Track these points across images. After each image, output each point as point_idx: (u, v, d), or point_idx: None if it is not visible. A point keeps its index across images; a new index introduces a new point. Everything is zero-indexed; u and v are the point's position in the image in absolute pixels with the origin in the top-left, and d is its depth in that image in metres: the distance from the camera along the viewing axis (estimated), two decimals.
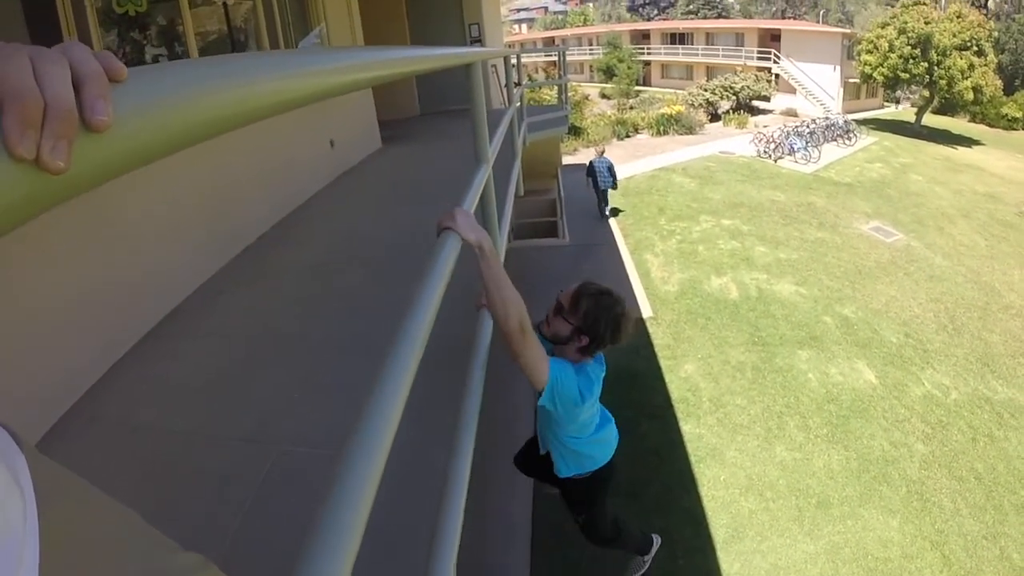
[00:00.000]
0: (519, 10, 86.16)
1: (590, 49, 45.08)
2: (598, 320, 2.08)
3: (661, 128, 24.70)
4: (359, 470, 0.70)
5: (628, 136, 24.44)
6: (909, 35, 24.45)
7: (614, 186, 13.40)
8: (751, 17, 48.61)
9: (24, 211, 0.30)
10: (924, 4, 26.39)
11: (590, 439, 2.37)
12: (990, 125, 32.73)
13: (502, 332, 1.74)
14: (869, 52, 25.98)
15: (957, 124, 31.68)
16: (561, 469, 2.43)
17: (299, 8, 6.00)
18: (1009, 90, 34.38)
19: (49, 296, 2.45)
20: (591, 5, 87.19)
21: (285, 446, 2.13)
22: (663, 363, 8.31)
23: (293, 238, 4.30)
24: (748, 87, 29.30)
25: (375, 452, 0.73)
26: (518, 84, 5.84)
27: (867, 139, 23.80)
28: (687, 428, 7.00)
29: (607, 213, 13.48)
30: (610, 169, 13.15)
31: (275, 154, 4.64)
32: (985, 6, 43.44)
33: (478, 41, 10.37)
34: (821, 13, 49.17)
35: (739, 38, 36.30)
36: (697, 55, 37.90)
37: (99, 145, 0.34)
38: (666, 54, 40.67)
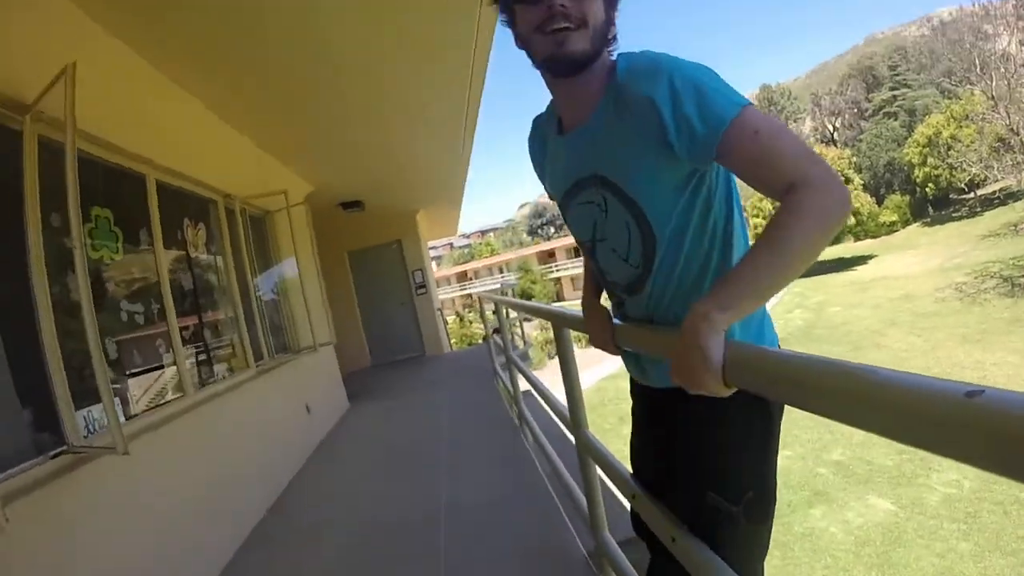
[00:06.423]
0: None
1: (502, 277, 47.87)
2: None
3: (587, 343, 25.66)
4: None
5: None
6: None
7: None
8: None
9: None
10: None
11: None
12: (872, 236, 36.28)
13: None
14: None
15: (846, 248, 34.84)
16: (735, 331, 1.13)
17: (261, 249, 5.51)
18: (880, 200, 39.09)
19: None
20: (491, 235, 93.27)
21: None
22: None
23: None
24: None
25: None
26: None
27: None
28: None
29: None
30: None
31: (264, 428, 4.30)
32: (832, 141, 50.45)
33: (423, 287, 10.19)
34: None
35: None
36: None
37: None
38: (573, 267, 44.27)
